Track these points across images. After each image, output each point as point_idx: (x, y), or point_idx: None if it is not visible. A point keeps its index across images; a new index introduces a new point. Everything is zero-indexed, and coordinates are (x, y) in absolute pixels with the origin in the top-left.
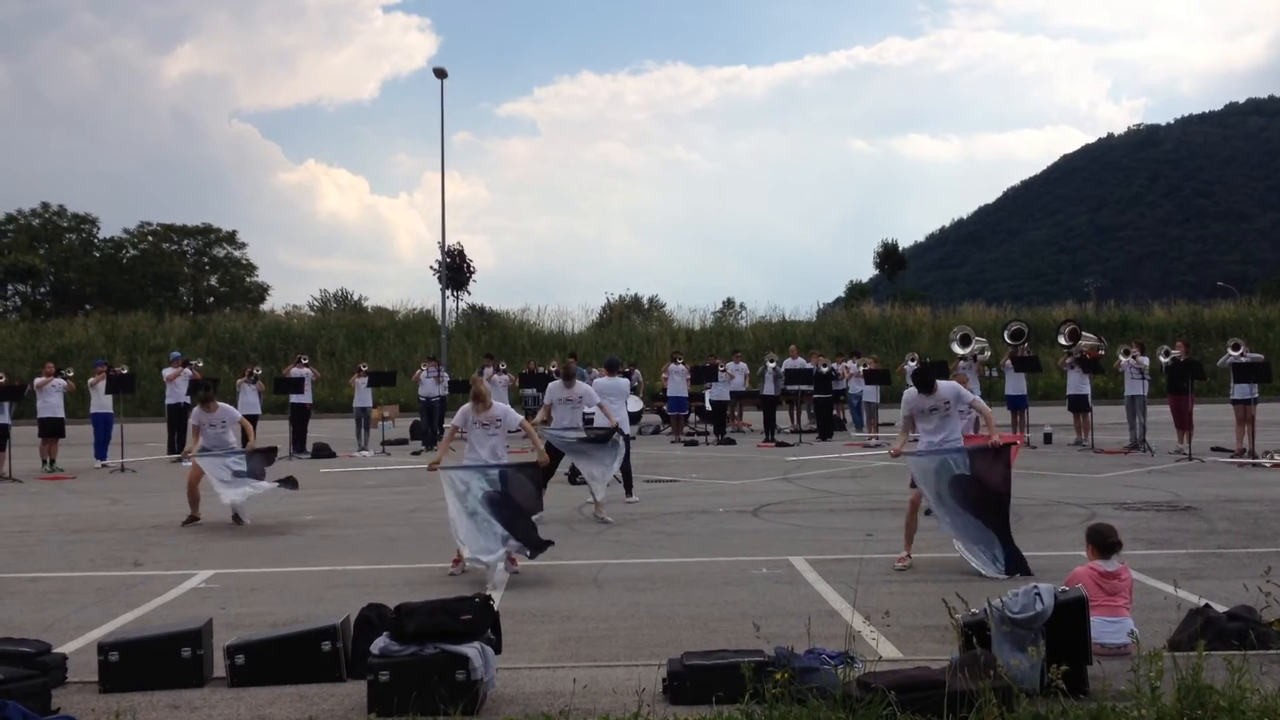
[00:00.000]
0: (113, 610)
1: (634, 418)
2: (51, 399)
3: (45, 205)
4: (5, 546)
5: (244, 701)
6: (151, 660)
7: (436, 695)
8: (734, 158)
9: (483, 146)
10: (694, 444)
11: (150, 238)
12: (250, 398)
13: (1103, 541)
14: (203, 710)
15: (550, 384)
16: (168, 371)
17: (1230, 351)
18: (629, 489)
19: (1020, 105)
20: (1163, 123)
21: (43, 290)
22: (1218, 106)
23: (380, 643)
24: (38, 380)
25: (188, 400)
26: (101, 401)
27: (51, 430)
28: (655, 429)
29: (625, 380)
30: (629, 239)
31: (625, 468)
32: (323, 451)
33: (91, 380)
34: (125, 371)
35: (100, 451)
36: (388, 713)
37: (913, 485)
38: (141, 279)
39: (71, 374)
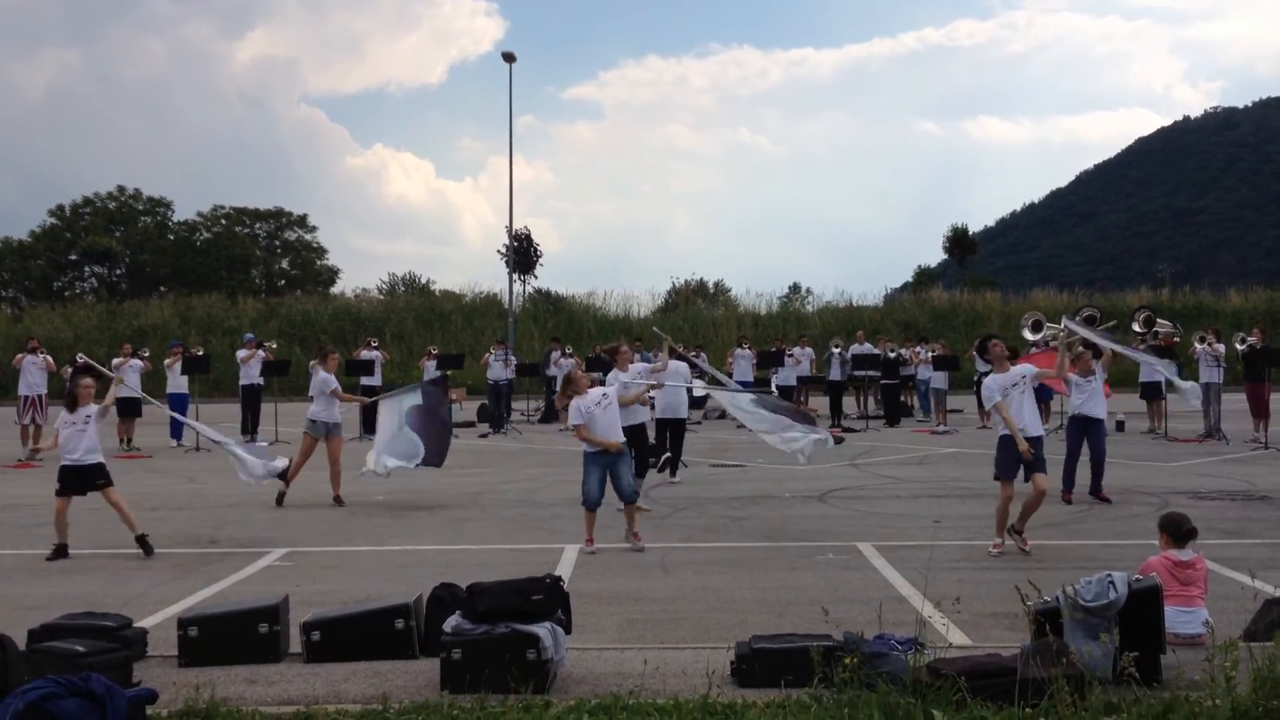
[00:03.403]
0: (190, 586)
1: (700, 402)
2: (129, 379)
3: (121, 189)
4: (84, 523)
5: (320, 677)
6: (229, 635)
7: (508, 674)
8: (801, 141)
9: (547, 130)
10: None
11: (223, 221)
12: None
13: (1176, 530)
14: (280, 685)
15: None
16: (242, 353)
17: None
18: (674, 470)
19: (1093, 87)
20: (1240, 105)
21: (119, 272)
22: None
23: (453, 621)
24: (115, 361)
25: (261, 381)
26: (177, 382)
27: (128, 410)
28: (720, 413)
29: (683, 364)
30: (694, 223)
31: (676, 450)
32: None
33: (167, 361)
34: (200, 353)
35: (175, 431)
36: (460, 690)
37: (996, 478)
38: (215, 261)
39: (148, 354)
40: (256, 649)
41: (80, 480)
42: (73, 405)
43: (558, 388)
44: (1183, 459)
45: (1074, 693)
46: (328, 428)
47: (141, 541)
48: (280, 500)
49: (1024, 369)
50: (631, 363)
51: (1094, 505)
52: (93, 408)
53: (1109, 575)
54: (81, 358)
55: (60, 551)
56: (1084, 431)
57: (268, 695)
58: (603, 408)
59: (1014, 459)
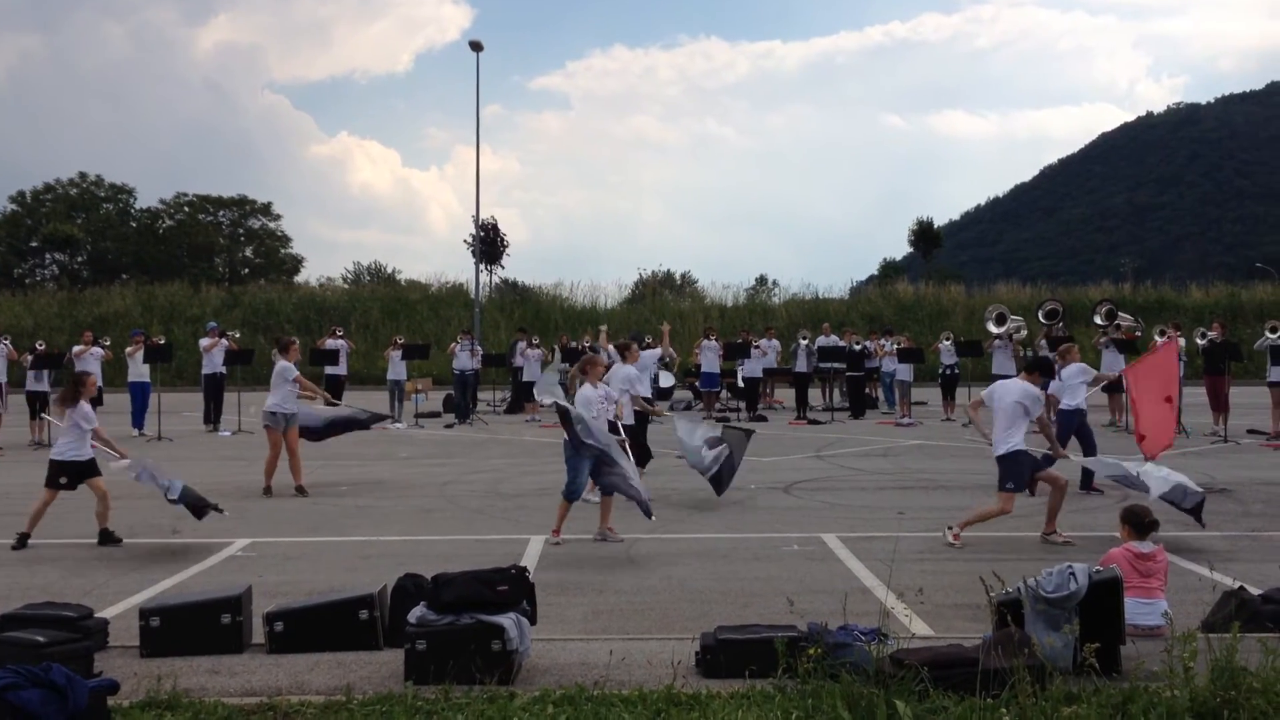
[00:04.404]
0: (152, 576)
1: (666, 394)
2: (89, 367)
3: (83, 175)
4: (45, 513)
5: (283, 668)
6: (192, 626)
7: (472, 664)
8: (767, 133)
9: (514, 120)
10: (726, 420)
11: (186, 208)
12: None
13: (1138, 522)
14: (242, 676)
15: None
16: (204, 342)
17: (1267, 334)
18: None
19: (1058, 82)
20: (1203, 101)
21: (80, 259)
22: (1259, 85)
23: (417, 612)
24: (76, 349)
25: (224, 371)
26: (139, 370)
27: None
28: (687, 405)
29: (652, 350)
30: (661, 214)
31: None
32: None
33: (129, 349)
34: (162, 341)
35: (137, 420)
36: (424, 681)
37: (1010, 490)
38: (177, 249)
39: (109, 343)
40: (219, 640)
41: (80, 474)
42: (75, 399)
43: (523, 372)
44: None
45: (1035, 683)
46: (286, 418)
47: (107, 535)
48: (268, 491)
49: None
50: (637, 358)
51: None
52: (85, 405)
53: (1070, 567)
54: (41, 345)
55: (22, 541)
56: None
57: (230, 686)
58: (600, 416)
59: (1027, 471)
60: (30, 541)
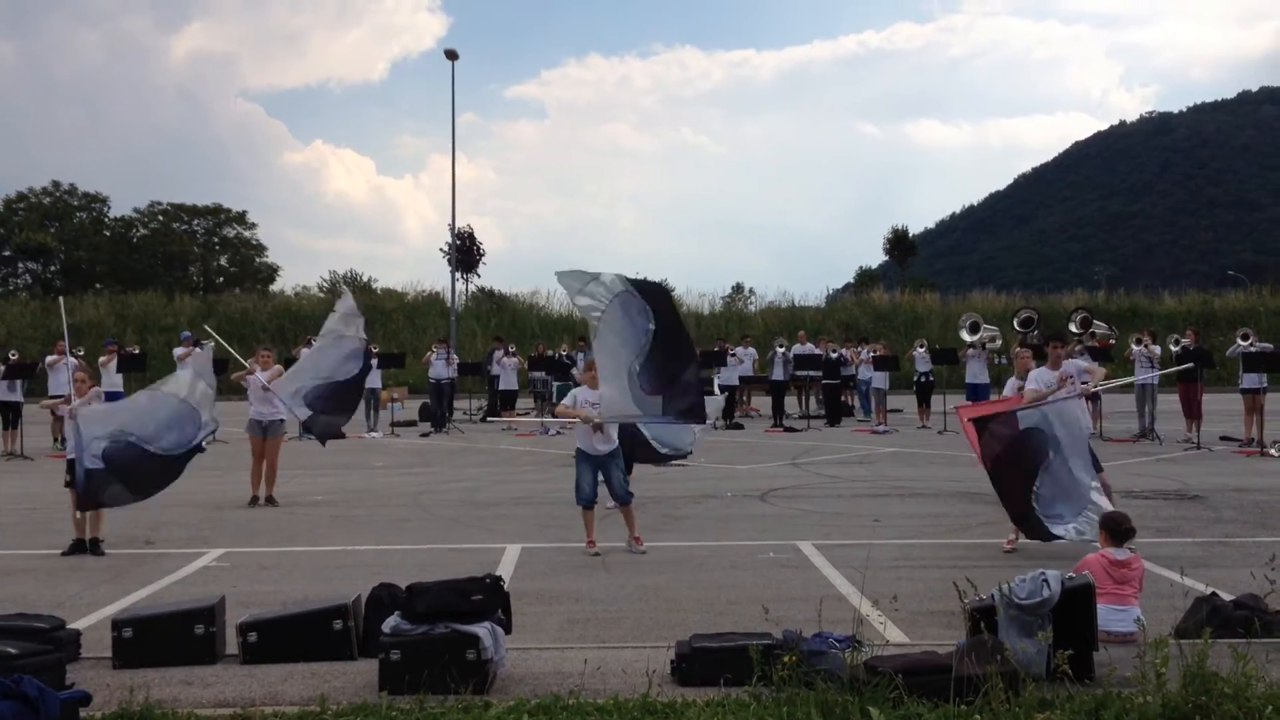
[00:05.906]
0: (125, 587)
1: None
2: (63, 377)
3: (56, 184)
4: (17, 523)
5: (256, 678)
6: (165, 637)
7: (447, 674)
8: (743, 142)
9: (489, 129)
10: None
11: (160, 217)
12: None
13: (1116, 528)
14: (216, 687)
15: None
16: (178, 351)
17: (1240, 341)
18: None
19: (1032, 91)
20: (1175, 110)
21: (53, 269)
22: (1231, 94)
23: (391, 622)
24: (49, 359)
25: None
26: (112, 380)
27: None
28: None
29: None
30: (637, 222)
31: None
32: None
33: (102, 359)
34: (136, 351)
35: None
36: (399, 691)
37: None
38: (152, 258)
39: (82, 353)
40: (192, 650)
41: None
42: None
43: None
44: (1117, 459)
45: (1008, 689)
46: (262, 426)
47: (93, 545)
48: (253, 502)
49: (1075, 365)
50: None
51: None
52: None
53: (1043, 573)
54: (14, 355)
55: (95, 546)
56: None
57: (203, 697)
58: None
59: None
60: (3, 552)
